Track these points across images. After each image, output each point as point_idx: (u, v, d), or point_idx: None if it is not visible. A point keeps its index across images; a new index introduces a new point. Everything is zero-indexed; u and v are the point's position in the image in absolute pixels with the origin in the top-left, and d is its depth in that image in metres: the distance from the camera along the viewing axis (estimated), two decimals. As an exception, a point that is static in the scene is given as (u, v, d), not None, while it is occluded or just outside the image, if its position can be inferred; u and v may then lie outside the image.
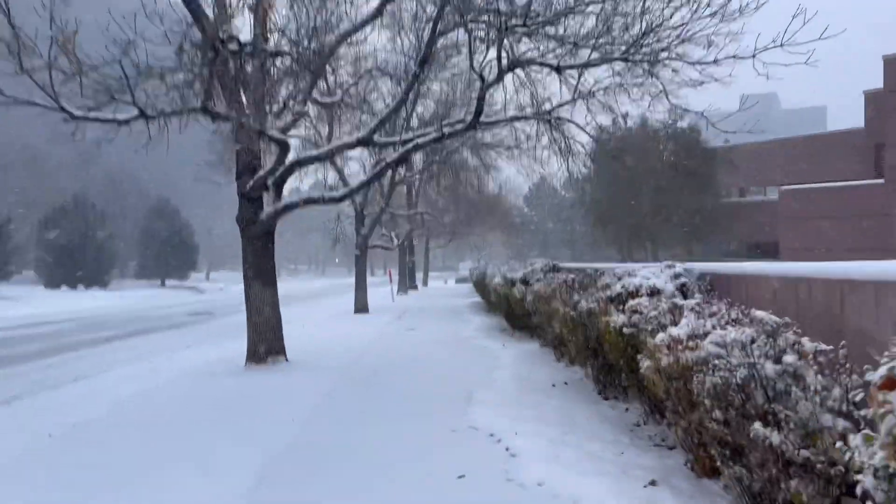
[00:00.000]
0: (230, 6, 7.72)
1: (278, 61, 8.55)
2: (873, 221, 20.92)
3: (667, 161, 30.18)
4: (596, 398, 6.46)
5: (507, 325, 13.86)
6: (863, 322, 3.53)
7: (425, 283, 49.50)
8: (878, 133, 22.95)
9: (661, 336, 3.85)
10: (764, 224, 29.06)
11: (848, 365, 2.83)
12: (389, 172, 20.00)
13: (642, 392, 5.34)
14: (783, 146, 31.43)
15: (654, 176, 29.79)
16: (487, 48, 9.00)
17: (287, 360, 9.68)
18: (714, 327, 3.63)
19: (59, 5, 5.64)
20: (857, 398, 2.49)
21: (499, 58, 7.98)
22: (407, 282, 34.88)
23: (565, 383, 7.31)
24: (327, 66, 10.74)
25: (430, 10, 9.97)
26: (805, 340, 3.23)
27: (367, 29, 10.11)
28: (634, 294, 5.12)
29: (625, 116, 8.66)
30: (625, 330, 4.88)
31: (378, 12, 9.46)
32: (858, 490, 2.12)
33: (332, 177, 20.47)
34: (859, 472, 2.13)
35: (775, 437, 3.07)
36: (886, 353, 2.15)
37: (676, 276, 5.28)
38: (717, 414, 3.37)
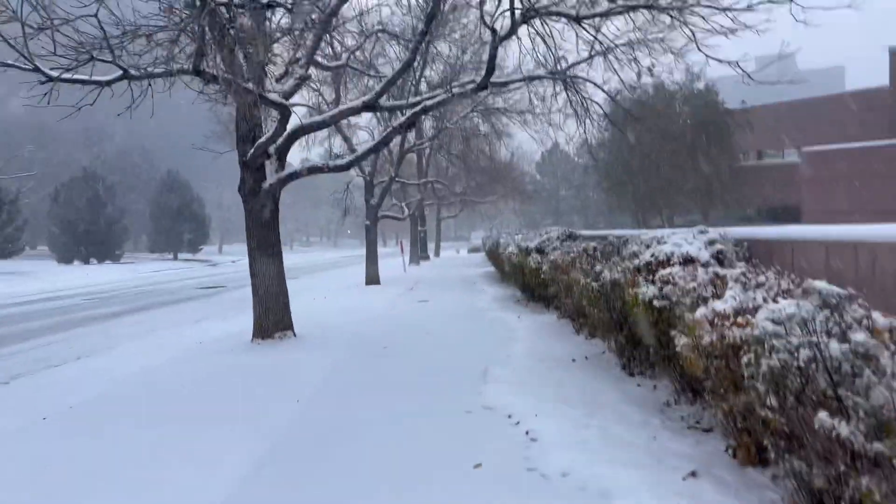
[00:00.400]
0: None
1: (276, 17, 8.01)
2: (901, 182, 20.16)
3: (683, 124, 29.28)
4: (620, 374, 6.04)
5: (521, 295, 13.44)
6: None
7: (437, 253, 49.12)
8: (905, 91, 22.02)
9: (701, 311, 3.40)
10: (784, 187, 28.26)
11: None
12: (398, 140, 19.49)
13: (673, 369, 4.91)
14: (803, 107, 30.40)
15: (671, 140, 28.95)
16: (500, -2, 8.38)
17: (295, 334, 9.35)
18: (765, 300, 3.18)
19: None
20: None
21: (511, 8, 7.39)
22: (419, 252, 34.48)
23: (586, 358, 6.90)
24: (331, 30, 10.22)
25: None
26: (877, 315, 2.77)
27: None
28: (665, 263, 4.66)
29: (651, 68, 8.05)
30: (655, 303, 4.43)
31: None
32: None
33: (341, 146, 19.98)
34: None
35: (843, 429, 2.64)
36: None
37: (711, 242, 4.81)
38: (772, 400, 2.94)
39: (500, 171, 30.77)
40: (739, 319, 3.11)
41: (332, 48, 12.14)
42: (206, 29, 6.28)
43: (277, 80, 9.63)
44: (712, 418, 4.45)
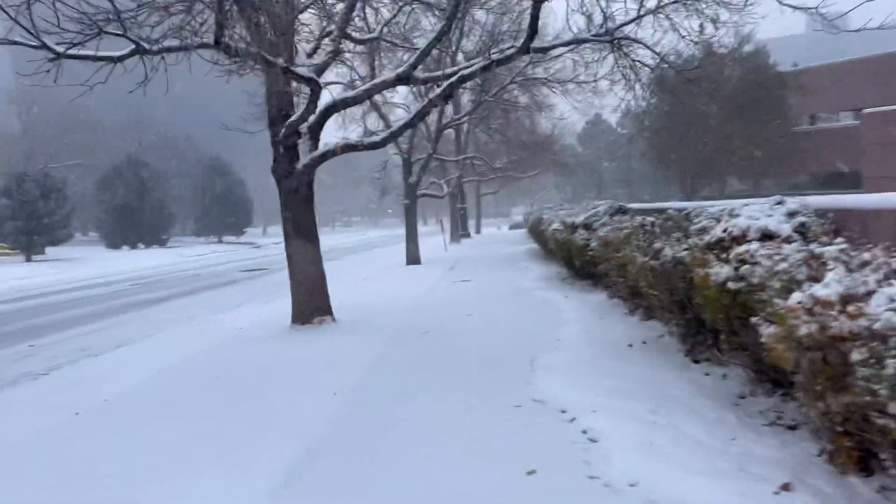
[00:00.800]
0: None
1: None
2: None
3: (734, 88, 27.83)
4: (684, 361, 5.50)
5: (567, 273, 12.89)
6: None
7: (478, 230, 48.58)
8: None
9: (797, 296, 2.87)
10: (841, 153, 26.71)
11: None
12: (436, 115, 18.93)
13: (749, 356, 4.37)
14: (860, 66, 28.59)
15: (720, 105, 27.58)
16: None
17: (334, 319, 9.04)
18: (879, 284, 2.64)
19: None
20: None
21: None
22: (459, 230, 34.03)
23: (643, 342, 6.36)
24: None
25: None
26: None
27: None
28: (740, 239, 4.10)
29: (715, 19, 7.33)
30: (730, 285, 3.89)
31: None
32: None
33: (377, 124, 19.54)
34: None
35: None
36: None
37: (791, 213, 4.22)
38: (894, 407, 2.42)
39: (540, 145, 29.93)
40: (850, 308, 2.57)
41: (366, 20, 11.68)
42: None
43: (309, 56, 9.23)
44: (796, 413, 3.92)
